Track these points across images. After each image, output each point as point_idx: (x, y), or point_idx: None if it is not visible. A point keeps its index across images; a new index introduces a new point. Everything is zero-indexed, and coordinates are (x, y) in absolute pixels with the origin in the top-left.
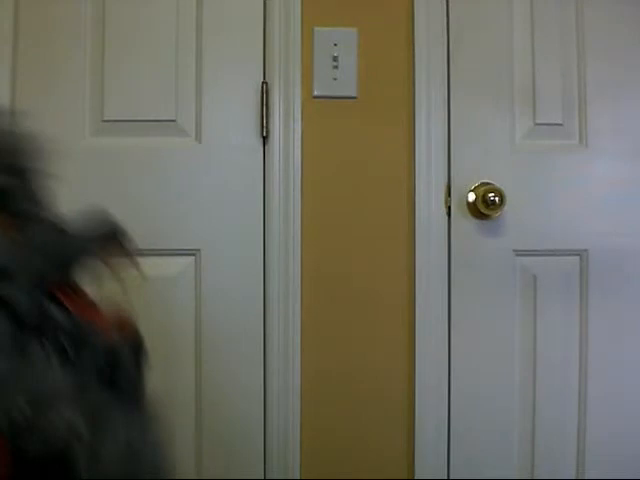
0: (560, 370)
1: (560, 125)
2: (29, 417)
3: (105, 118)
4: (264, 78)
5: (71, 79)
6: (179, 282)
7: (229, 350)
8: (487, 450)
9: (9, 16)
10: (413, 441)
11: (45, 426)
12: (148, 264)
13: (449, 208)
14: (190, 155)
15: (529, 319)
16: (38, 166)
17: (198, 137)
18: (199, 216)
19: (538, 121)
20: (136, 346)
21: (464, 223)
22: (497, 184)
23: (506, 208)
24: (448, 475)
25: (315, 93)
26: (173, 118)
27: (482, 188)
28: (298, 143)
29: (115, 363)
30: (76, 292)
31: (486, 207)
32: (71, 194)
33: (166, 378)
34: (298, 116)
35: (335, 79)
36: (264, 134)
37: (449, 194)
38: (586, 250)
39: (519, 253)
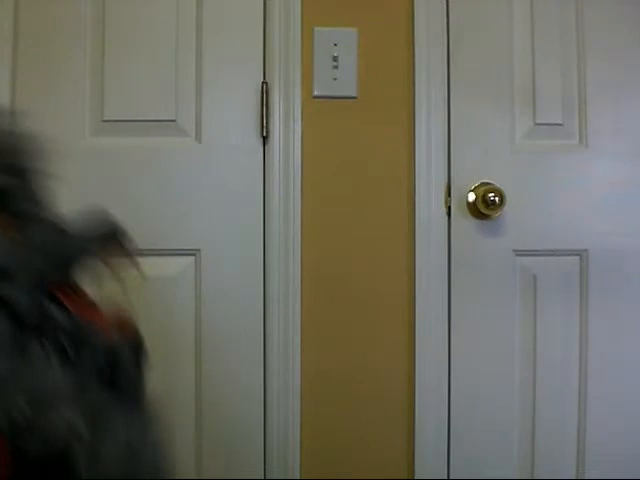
0: (560, 370)
1: (560, 125)
2: (29, 417)
3: (105, 118)
4: (264, 78)
5: (71, 79)
6: (179, 282)
7: (229, 350)
8: (487, 450)
9: (9, 16)
10: (413, 441)
11: (45, 426)
12: (148, 264)
13: (449, 208)
14: (190, 155)
15: (529, 319)
16: (38, 166)
17: (198, 137)
18: (199, 216)
19: (538, 121)
20: (136, 346)
21: (464, 223)
22: (497, 184)
23: (506, 208)
24: (448, 475)
25: (315, 93)
26: (173, 118)
27: (482, 188)
28: (298, 143)
29: (115, 363)
30: (76, 292)
31: (486, 207)
32: (71, 194)
33: (166, 378)
34: (298, 116)
35: (335, 79)
36: (264, 134)
37: (449, 194)
38: (586, 250)
39: (519, 253)
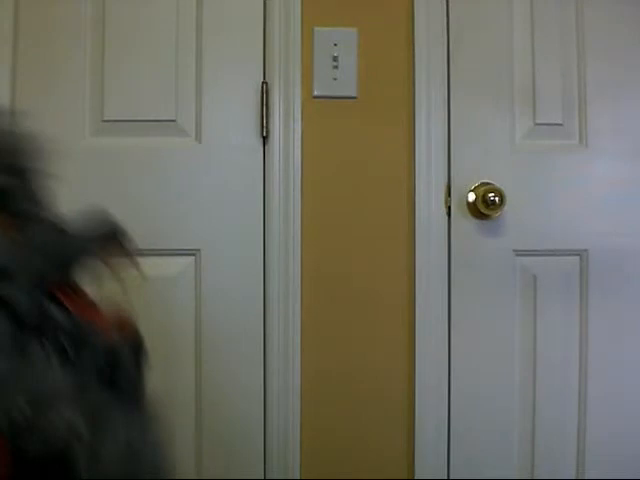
0: (560, 370)
1: (560, 125)
2: (29, 417)
3: (105, 118)
4: (264, 78)
5: (71, 79)
6: (179, 282)
7: (229, 350)
8: (487, 450)
9: (9, 16)
10: (413, 441)
11: (45, 426)
12: (148, 264)
13: (449, 208)
14: (190, 155)
15: (529, 319)
16: (38, 166)
17: (198, 137)
18: (199, 216)
19: (538, 121)
20: (136, 346)
21: (464, 223)
22: (497, 184)
23: (506, 208)
24: (448, 475)
25: (315, 93)
26: (173, 118)
27: (482, 188)
28: (298, 143)
29: (115, 363)
30: (76, 292)
31: (486, 207)
32: (71, 194)
33: (166, 378)
34: (298, 116)
35: (335, 79)
36: (264, 134)
37: (449, 194)
38: (586, 250)
39: (519, 253)
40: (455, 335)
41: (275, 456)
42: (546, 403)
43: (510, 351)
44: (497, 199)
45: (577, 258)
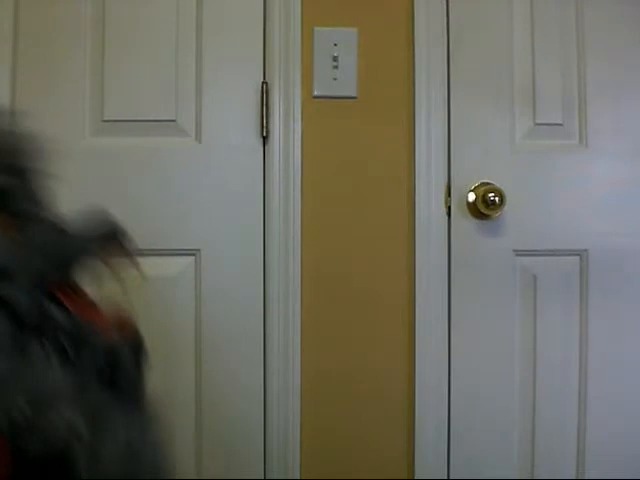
0: (560, 370)
1: (560, 125)
2: (29, 417)
3: (105, 118)
4: (264, 78)
5: (71, 79)
6: (179, 282)
7: (229, 350)
8: (487, 450)
9: (9, 16)
10: (413, 441)
11: (45, 426)
12: (148, 264)
13: (449, 208)
14: (190, 155)
15: (529, 319)
16: (38, 166)
17: (198, 137)
18: (199, 216)
19: (538, 121)
20: (136, 346)
21: (464, 223)
22: (497, 184)
23: (506, 208)
24: (448, 475)
25: (315, 93)
26: (173, 118)
27: (482, 188)
28: (298, 143)
29: (115, 363)
30: (76, 292)
31: (486, 207)
32: (71, 194)
33: (166, 378)
34: (298, 116)
35: (335, 79)
36: (264, 134)
37: (449, 194)
38: (586, 250)
39: (519, 253)
40: (455, 335)
41: (275, 456)
42: (546, 403)
43: (510, 351)
44: (497, 199)
45: (577, 258)
